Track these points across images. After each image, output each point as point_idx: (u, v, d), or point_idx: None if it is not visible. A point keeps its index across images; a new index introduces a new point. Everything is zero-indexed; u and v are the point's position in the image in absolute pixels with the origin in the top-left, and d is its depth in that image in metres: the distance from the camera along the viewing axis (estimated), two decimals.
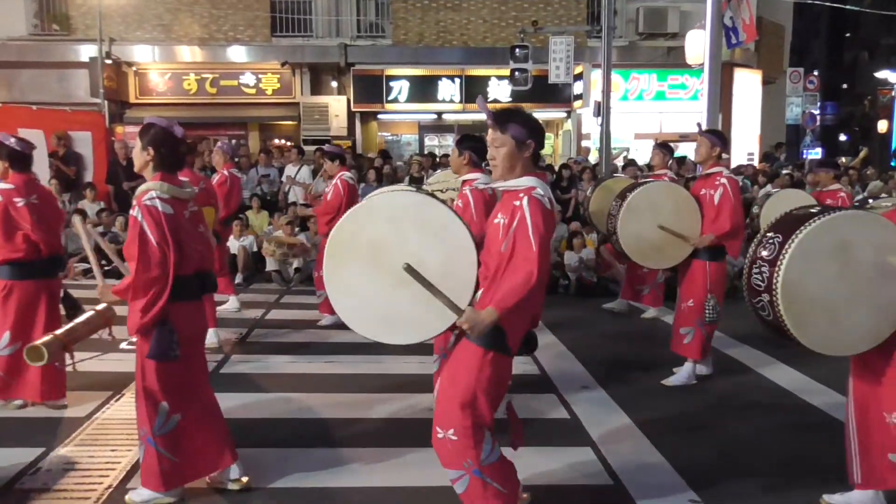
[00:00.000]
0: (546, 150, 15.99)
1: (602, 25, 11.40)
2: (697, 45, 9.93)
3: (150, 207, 2.76)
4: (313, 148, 11.90)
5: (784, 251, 2.76)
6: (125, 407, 4.05)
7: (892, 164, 23.94)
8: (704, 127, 8.47)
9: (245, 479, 3.09)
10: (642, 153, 15.05)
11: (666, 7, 14.79)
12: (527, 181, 2.56)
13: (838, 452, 3.04)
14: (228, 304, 6.68)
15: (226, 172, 6.24)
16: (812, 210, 2.93)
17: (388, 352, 5.33)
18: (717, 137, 4.79)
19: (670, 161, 6.91)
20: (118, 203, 9.62)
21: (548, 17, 14.66)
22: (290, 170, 9.97)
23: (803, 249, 2.74)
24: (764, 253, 2.86)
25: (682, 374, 4.75)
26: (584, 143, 14.83)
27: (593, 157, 13.16)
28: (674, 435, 3.87)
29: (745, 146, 16.03)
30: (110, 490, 3.07)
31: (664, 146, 6.92)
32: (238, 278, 8.22)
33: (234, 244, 8.42)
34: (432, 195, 2.79)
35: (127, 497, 2.96)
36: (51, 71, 14.33)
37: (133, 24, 14.50)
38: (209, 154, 10.79)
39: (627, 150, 14.44)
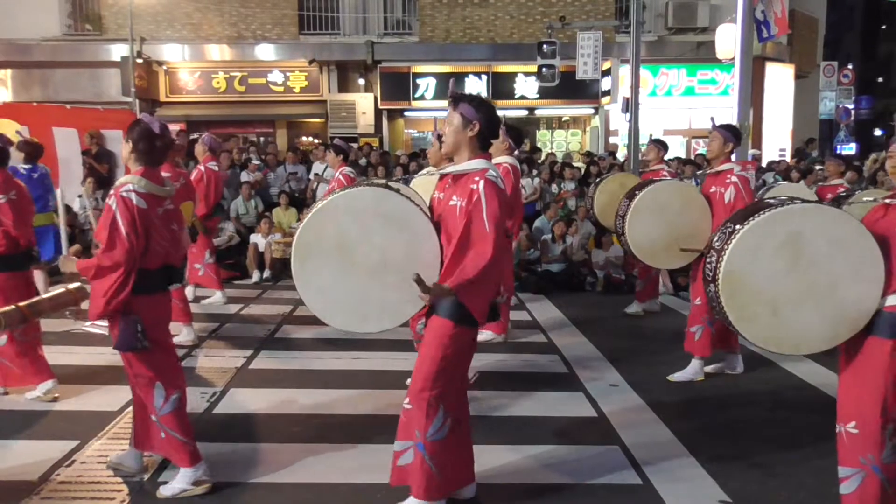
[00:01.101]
0: (574, 147, 15.87)
1: (630, 20, 11.25)
2: (728, 39, 9.73)
3: (125, 198, 2.85)
4: None
5: (730, 241, 2.68)
6: None
7: None
8: (735, 122, 8.34)
9: None
10: (671, 150, 14.84)
11: (696, 1, 14.54)
12: (478, 163, 2.70)
13: None
14: (213, 299, 6.73)
15: (202, 168, 6.27)
16: (769, 200, 2.83)
17: (412, 349, 5.34)
18: (731, 133, 4.67)
19: (665, 155, 6.77)
20: None
21: (575, 13, 14.53)
22: (317, 167, 10.04)
23: (748, 240, 2.65)
24: (716, 243, 2.80)
25: (688, 371, 4.70)
26: (612, 140, 14.67)
27: (621, 154, 13.00)
28: (704, 434, 3.81)
29: (777, 142, 15.70)
30: (142, 483, 3.12)
31: (659, 141, 6.80)
32: (266, 274, 8.32)
33: (261, 241, 8.52)
34: (387, 187, 2.89)
35: (158, 491, 3.01)
36: (83, 70, 14.65)
37: (163, 23, 14.73)
38: (238, 151, 10.97)
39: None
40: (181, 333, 5.27)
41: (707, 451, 3.56)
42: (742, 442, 3.76)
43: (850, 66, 20.05)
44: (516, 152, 5.70)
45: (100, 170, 9.81)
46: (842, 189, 5.81)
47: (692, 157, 12.05)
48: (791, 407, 4.29)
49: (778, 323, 2.65)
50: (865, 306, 2.59)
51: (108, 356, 4.94)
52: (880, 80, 36.98)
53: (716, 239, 2.84)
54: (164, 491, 3.00)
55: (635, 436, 3.76)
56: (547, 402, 4.28)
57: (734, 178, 4.47)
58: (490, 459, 3.43)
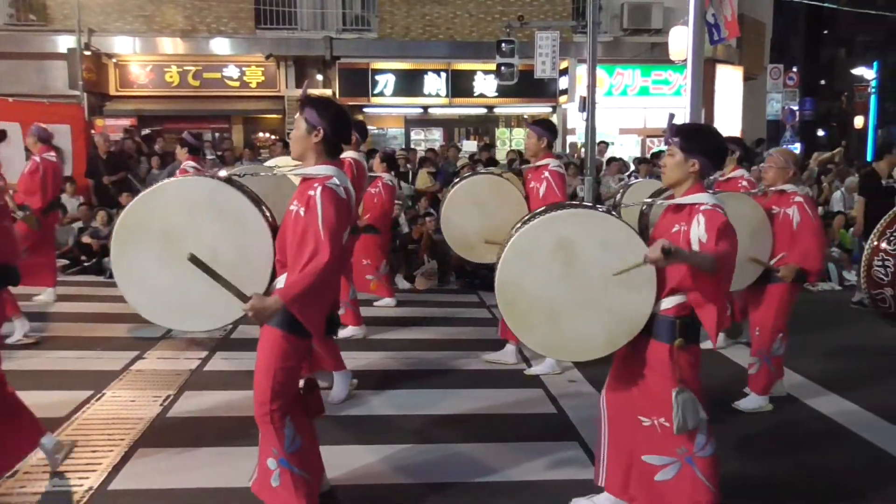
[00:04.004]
0: None
1: (587, 21, 11.41)
2: (680, 41, 9.96)
3: None
4: None
5: (502, 251, 2.66)
6: (106, 406, 3.99)
7: (869, 158, 24.32)
8: (688, 121, 8.52)
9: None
10: (627, 148, 15.13)
11: (650, 3, 14.85)
12: (324, 170, 2.58)
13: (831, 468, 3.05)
14: (43, 297, 6.40)
15: (37, 158, 6.02)
16: (541, 210, 2.85)
17: (373, 348, 5.31)
18: (544, 129, 4.76)
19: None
20: (98, 197, 9.49)
21: (533, 12, 14.66)
22: (271, 163, 9.87)
23: (517, 249, 2.63)
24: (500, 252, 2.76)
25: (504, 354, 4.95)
26: (569, 139, 14.86)
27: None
28: None
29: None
30: (91, 492, 3.01)
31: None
32: None
33: None
34: (230, 181, 2.74)
35: None
36: (28, 62, 14.05)
37: (113, 14, 14.26)
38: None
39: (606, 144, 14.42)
40: (15, 330, 5.06)
41: None
42: None
43: (795, 69, 20.79)
44: (362, 147, 5.72)
45: None
46: (743, 181, 5.83)
47: (647, 156, 12.30)
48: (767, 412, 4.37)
49: (557, 330, 2.62)
50: (640, 310, 2.58)
51: (53, 360, 4.80)
52: (823, 82, 38.44)
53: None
54: None
55: (594, 431, 3.79)
56: (506, 399, 4.31)
57: (547, 174, 4.61)
58: (448, 457, 3.45)
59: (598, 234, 2.58)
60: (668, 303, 2.60)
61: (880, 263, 2.84)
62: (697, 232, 2.51)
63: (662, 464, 2.69)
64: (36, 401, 3.98)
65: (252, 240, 2.60)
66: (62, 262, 7.97)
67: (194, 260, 2.38)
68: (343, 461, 3.34)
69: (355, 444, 3.59)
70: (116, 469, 3.20)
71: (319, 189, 2.50)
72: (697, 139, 2.60)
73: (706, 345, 5.31)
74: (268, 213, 2.74)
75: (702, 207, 2.54)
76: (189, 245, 2.47)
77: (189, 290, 2.55)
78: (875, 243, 2.94)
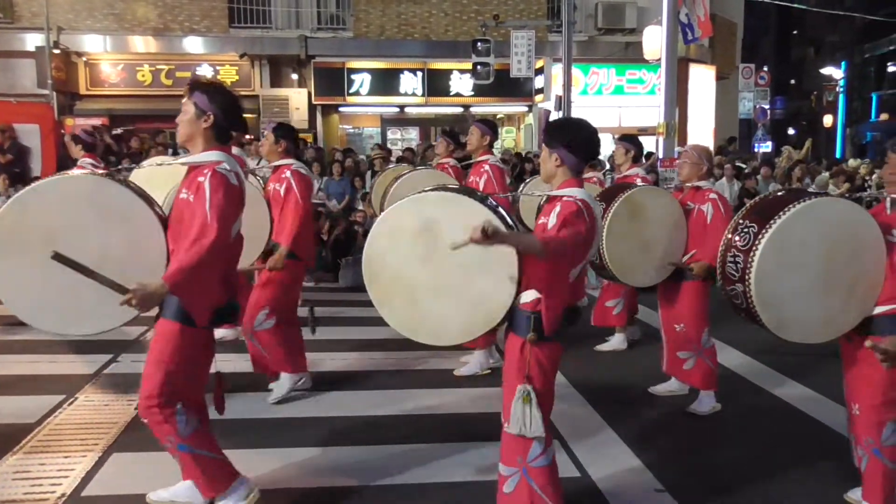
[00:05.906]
0: (508, 144, 16.08)
1: (562, 20, 11.49)
2: (654, 40, 10.09)
3: None
4: None
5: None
6: (78, 411, 3.92)
7: (838, 156, 24.85)
8: (662, 120, 8.63)
9: None
10: (602, 147, 15.28)
11: (624, 3, 14.99)
12: (212, 156, 2.57)
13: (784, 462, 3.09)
14: None
15: None
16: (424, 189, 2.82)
17: (349, 348, 5.29)
18: (489, 128, 4.98)
19: (454, 148, 5.94)
20: None
21: (509, 12, 14.71)
22: (250, 163, 9.78)
23: (389, 225, 2.64)
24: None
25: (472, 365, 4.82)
26: None
27: None
28: (640, 427, 3.92)
29: (701, 139, 16.37)
30: (64, 499, 2.95)
31: (449, 133, 6.25)
32: None
33: None
34: (112, 177, 2.68)
35: None
36: None
37: (83, 12, 13.99)
38: (161, 147, 10.56)
39: None
40: None
41: (643, 443, 3.67)
42: (678, 434, 3.90)
43: (765, 69, 21.13)
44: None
45: (2, 161, 9.25)
46: (594, 181, 5.91)
47: None
48: (725, 398, 4.43)
49: (416, 311, 2.61)
50: (499, 300, 2.52)
51: (25, 364, 4.69)
52: (793, 81, 39.16)
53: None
54: None
55: (573, 429, 3.83)
56: (488, 398, 4.32)
57: (487, 168, 4.78)
58: (432, 458, 3.45)
59: (465, 221, 2.40)
60: (527, 296, 2.51)
61: (731, 259, 2.76)
62: (550, 222, 2.47)
63: (507, 474, 2.61)
64: (7, 406, 3.94)
65: (142, 235, 2.54)
66: None
67: (58, 258, 2.28)
68: (304, 461, 3.32)
69: (325, 445, 3.58)
70: (90, 475, 3.15)
71: (209, 174, 2.49)
72: (557, 133, 2.57)
73: None
74: (157, 208, 2.69)
75: (563, 199, 2.49)
76: (73, 246, 2.36)
77: (81, 292, 2.43)
78: (728, 237, 2.79)
